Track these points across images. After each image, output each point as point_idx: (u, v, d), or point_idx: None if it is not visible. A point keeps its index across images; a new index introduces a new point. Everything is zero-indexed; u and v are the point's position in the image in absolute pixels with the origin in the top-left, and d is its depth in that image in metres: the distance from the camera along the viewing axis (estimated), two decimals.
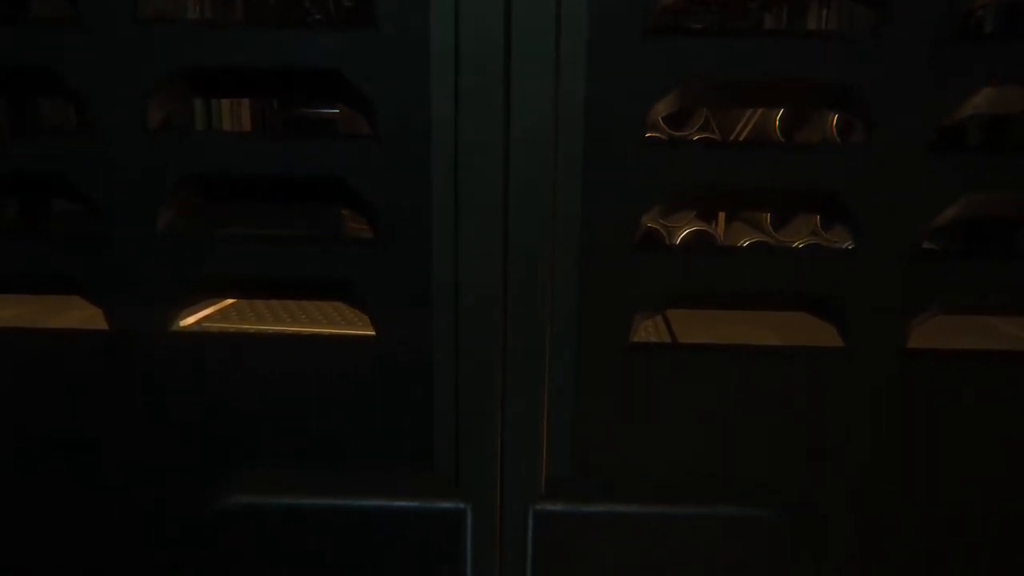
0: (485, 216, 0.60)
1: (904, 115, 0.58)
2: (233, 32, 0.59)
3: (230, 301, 1.03)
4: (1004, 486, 0.65)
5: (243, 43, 0.59)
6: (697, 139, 2.09)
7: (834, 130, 1.93)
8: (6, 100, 1.12)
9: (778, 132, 2.05)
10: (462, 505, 0.65)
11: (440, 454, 0.65)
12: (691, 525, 0.65)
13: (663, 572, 0.66)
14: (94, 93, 0.60)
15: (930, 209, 0.60)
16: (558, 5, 0.57)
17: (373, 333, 0.64)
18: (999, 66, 0.57)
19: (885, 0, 0.56)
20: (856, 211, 0.60)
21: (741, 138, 2.15)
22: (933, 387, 0.63)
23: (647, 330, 0.86)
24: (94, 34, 0.59)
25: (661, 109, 0.61)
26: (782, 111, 2.04)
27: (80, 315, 0.73)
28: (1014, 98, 0.58)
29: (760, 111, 2.13)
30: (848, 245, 0.63)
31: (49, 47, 0.59)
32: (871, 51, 0.57)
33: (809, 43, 0.58)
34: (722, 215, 2.30)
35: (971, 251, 0.64)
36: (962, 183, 0.59)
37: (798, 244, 2.00)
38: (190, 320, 0.88)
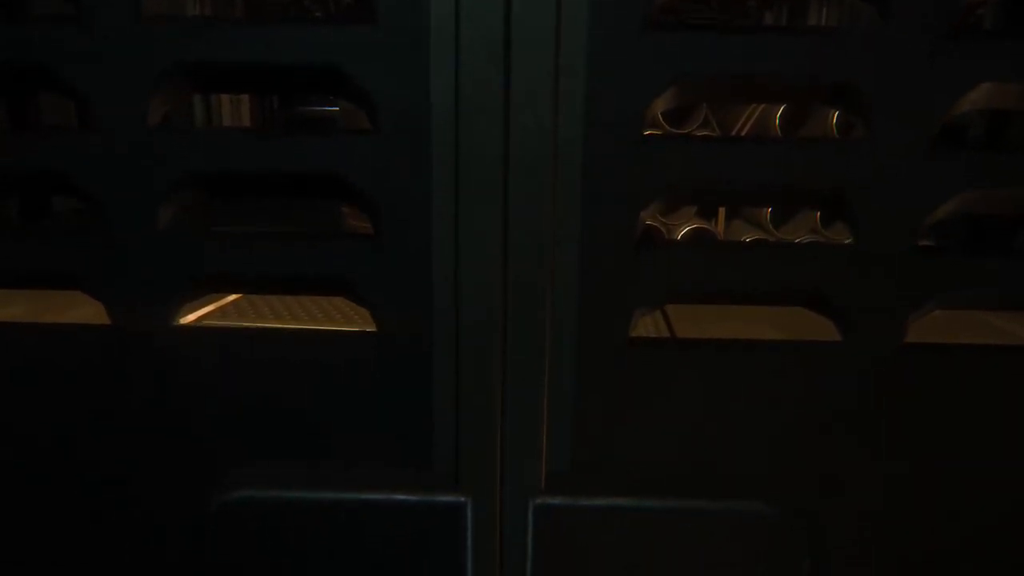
0: (485, 211, 0.61)
1: (902, 112, 0.58)
2: (234, 29, 0.60)
3: (230, 299, 1.04)
4: (1003, 480, 0.66)
5: (244, 40, 0.59)
6: (697, 136, 2.09)
7: (834, 127, 1.94)
8: (7, 98, 1.12)
9: (778, 129, 2.06)
10: (462, 499, 0.66)
11: (440, 448, 0.66)
12: (690, 519, 0.65)
13: (662, 566, 0.67)
14: (95, 90, 0.60)
15: (928, 205, 0.60)
16: (558, 1, 0.57)
17: (373, 329, 0.65)
18: (997, 63, 0.57)
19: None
20: (855, 207, 0.60)
21: (742, 135, 2.15)
22: (931, 381, 0.64)
23: (646, 326, 0.87)
24: (95, 31, 0.59)
25: (660, 105, 0.62)
26: (782, 108, 2.04)
27: (81, 313, 0.73)
28: (1012, 95, 0.58)
29: (760, 108, 2.14)
30: (847, 241, 0.63)
31: (50, 45, 0.60)
32: (870, 48, 0.58)
33: (808, 40, 0.59)
34: (722, 213, 2.31)
35: (969, 247, 0.64)
36: (960, 180, 0.60)
37: (798, 241, 2.00)
38: (191, 317, 0.89)
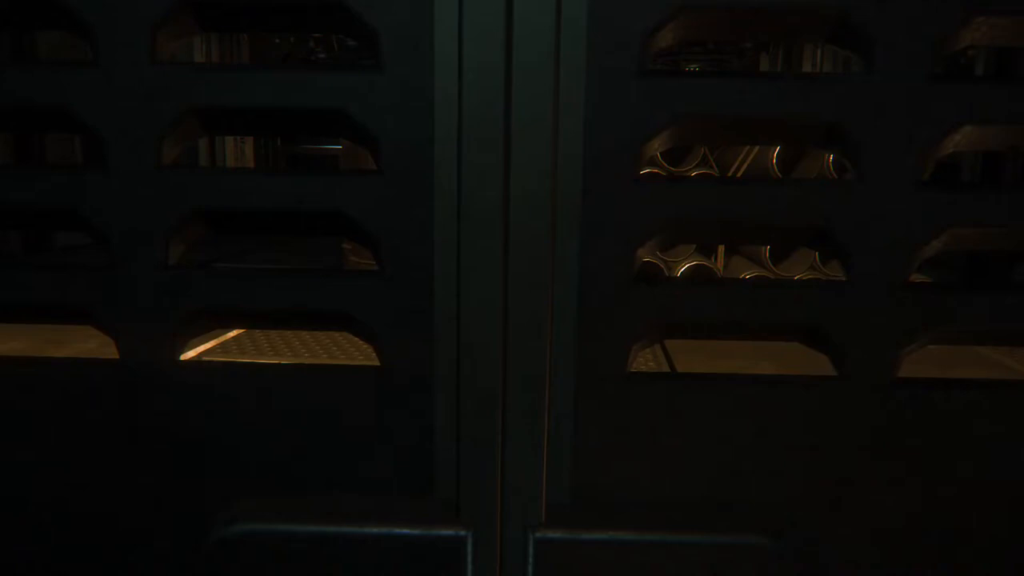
0: (486, 248, 0.62)
1: (890, 153, 0.60)
2: (246, 74, 0.62)
3: (231, 335, 1.05)
4: (995, 509, 0.66)
5: (256, 84, 0.61)
6: (695, 175, 2.12)
7: (831, 167, 1.96)
8: (19, 135, 1.15)
9: (775, 168, 2.08)
10: (463, 532, 0.66)
11: (441, 482, 0.66)
12: (690, 552, 0.66)
13: None
14: (108, 130, 0.62)
15: (918, 242, 0.62)
16: (557, 47, 0.59)
17: (374, 364, 0.66)
18: (979, 106, 0.59)
19: (870, 46, 0.59)
20: (846, 244, 0.62)
21: (739, 174, 2.18)
22: (924, 414, 0.65)
23: (646, 360, 0.88)
24: (110, 74, 0.61)
25: (658, 145, 0.64)
26: (779, 148, 2.07)
27: (82, 348, 0.74)
28: (993, 136, 0.60)
29: (758, 148, 2.16)
30: (841, 277, 0.64)
31: (66, 86, 0.62)
32: (858, 92, 0.60)
33: (800, 84, 0.61)
34: (722, 250, 2.32)
35: (960, 283, 0.65)
36: (947, 217, 0.61)
37: (797, 278, 2.01)
38: (191, 354, 0.90)
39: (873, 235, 0.61)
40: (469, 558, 0.66)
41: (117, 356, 0.66)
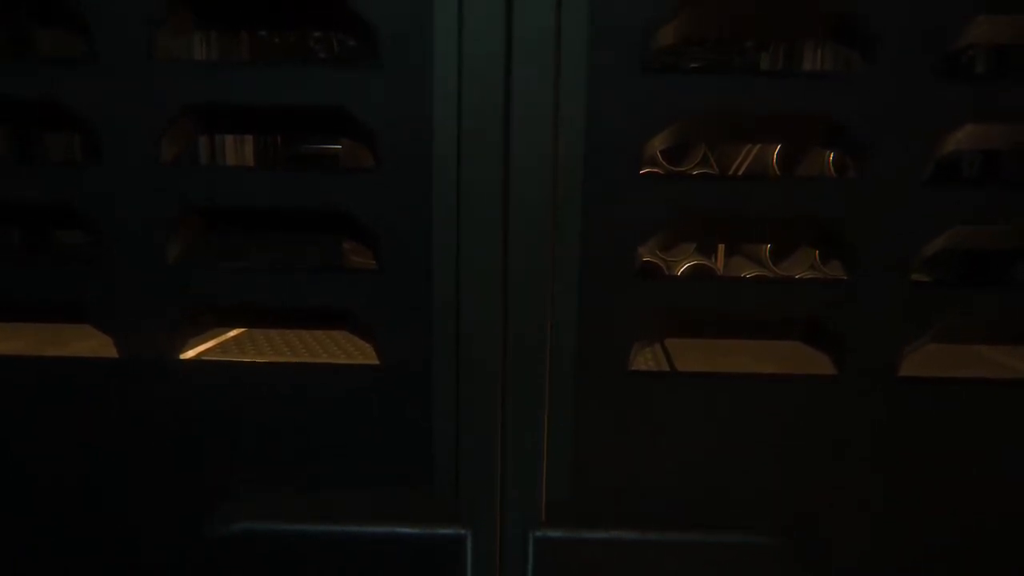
0: (486, 246, 0.62)
1: (892, 151, 0.60)
2: (244, 71, 0.61)
3: (231, 335, 1.05)
4: (995, 509, 0.66)
5: (254, 81, 0.61)
6: (695, 173, 2.12)
7: (831, 166, 1.96)
8: (17, 132, 1.15)
9: (775, 168, 2.08)
10: (462, 531, 0.66)
11: (440, 481, 0.66)
12: (691, 551, 0.65)
13: None
14: (105, 126, 0.62)
15: (919, 241, 0.61)
16: (558, 44, 0.59)
17: (373, 363, 0.65)
18: (982, 105, 0.59)
19: (871, 43, 0.58)
20: (847, 242, 0.62)
21: (739, 174, 2.18)
22: (925, 414, 0.64)
23: (646, 359, 0.88)
24: (107, 71, 0.61)
25: (658, 143, 0.63)
26: (779, 147, 2.07)
27: (83, 347, 0.74)
28: (997, 134, 0.60)
29: (758, 147, 2.17)
30: (842, 276, 0.64)
31: (63, 82, 0.61)
32: (860, 90, 0.59)
33: (802, 81, 0.60)
34: (722, 249, 2.32)
35: (961, 281, 0.65)
36: (950, 216, 0.61)
37: (797, 277, 2.01)
38: (191, 353, 0.89)
39: (875, 233, 0.61)
40: (469, 557, 0.66)
41: (116, 355, 0.66)
